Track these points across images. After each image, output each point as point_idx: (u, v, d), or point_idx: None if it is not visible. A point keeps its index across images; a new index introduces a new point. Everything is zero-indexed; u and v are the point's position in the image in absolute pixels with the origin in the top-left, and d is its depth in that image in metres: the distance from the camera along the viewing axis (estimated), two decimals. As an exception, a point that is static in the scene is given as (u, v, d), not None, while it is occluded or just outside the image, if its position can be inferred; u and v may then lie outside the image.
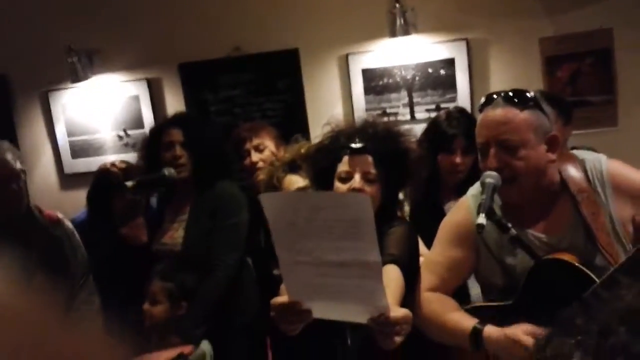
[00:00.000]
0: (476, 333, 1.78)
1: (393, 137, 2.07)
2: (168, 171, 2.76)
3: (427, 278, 1.98)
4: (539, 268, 1.77)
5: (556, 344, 0.62)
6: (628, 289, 0.62)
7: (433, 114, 3.89)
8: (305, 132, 4.00)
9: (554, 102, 2.83)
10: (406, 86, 4.09)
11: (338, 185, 1.98)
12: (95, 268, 2.72)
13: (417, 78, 4.06)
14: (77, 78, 4.32)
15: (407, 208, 2.65)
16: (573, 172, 1.84)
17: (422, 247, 2.32)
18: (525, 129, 1.75)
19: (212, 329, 2.64)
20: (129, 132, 4.46)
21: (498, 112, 1.77)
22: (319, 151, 2.11)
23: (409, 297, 1.88)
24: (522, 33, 3.91)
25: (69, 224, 2.70)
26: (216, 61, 4.28)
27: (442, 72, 4.02)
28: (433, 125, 2.80)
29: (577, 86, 3.88)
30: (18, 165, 2.40)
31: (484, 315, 1.85)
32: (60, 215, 2.69)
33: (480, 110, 1.85)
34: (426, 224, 2.44)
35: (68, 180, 4.62)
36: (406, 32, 3.88)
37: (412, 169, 2.09)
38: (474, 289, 2.26)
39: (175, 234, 2.85)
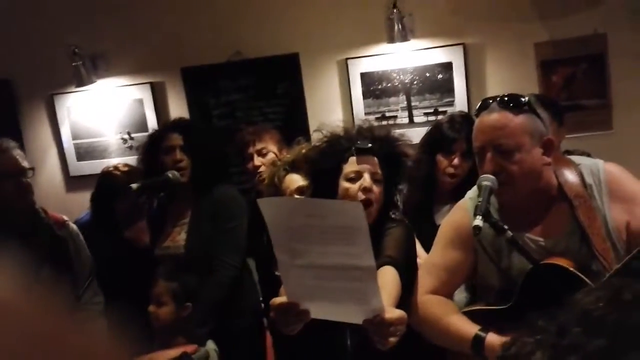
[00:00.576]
0: (478, 340, 1.78)
1: (392, 139, 2.09)
2: (172, 174, 2.78)
3: (426, 280, 1.98)
4: (535, 272, 1.77)
5: (520, 344, 0.66)
6: (587, 293, 0.68)
7: (431, 118, 3.96)
8: (305, 135, 4.02)
9: (546, 105, 2.86)
10: (404, 90, 4.14)
11: (347, 185, 1.97)
12: (98, 270, 2.76)
13: (415, 82, 4.11)
14: (81, 82, 4.36)
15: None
16: (570, 177, 1.84)
17: (419, 248, 2.36)
18: (520, 133, 1.75)
19: (214, 330, 2.67)
20: (133, 135, 4.51)
21: (493, 116, 1.78)
22: (322, 154, 2.09)
23: (406, 298, 1.88)
24: (518, 38, 3.95)
25: (73, 226, 2.74)
26: (218, 65, 4.32)
27: (440, 76, 4.07)
28: (435, 128, 2.81)
29: (572, 90, 3.91)
30: (25, 163, 2.49)
31: (481, 318, 1.86)
32: (65, 218, 2.74)
33: (477, 115, 1.86)
34: (417, 226, 2.45)
35: (73, 182, 4.67)
36: (404, 37, 3.92)
37: (408, 172, 2.13)
38: (457, 295, 2.24)
39: (177, 237, 2.87)
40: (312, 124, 4.20)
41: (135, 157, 3.33)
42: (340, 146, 2.03)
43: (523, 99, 1.80)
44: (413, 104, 4.13)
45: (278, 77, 4.30)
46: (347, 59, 4.16)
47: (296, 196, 2.55)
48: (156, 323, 2.56)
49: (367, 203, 1.94)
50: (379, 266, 1.78)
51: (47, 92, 4.61)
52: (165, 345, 2.50)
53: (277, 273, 1.71)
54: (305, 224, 1.48)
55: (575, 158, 1.97)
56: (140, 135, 4.40)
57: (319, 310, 1.59)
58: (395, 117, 4.16)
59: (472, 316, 1.89)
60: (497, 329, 1.78)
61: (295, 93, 4.28)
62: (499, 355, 0.68)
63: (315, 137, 2.16)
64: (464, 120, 2.72)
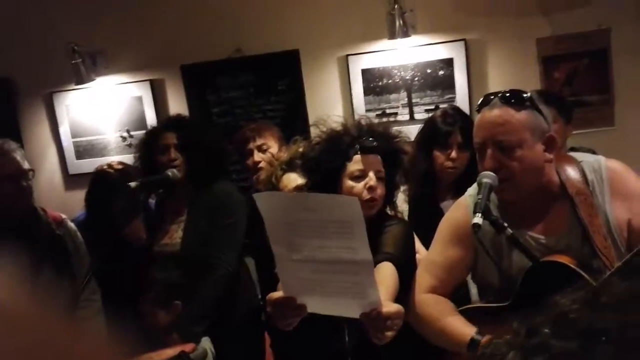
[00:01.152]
0: (474, 344, 1.78)
1: (392, 137, 2.09)
2: (172, 173, 2.79)
3: (425, 279, 1.98)
4: (535, 270, 1.77)
5: (495, 344, 0.66)
6: (565, 295, 0.66)
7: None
8: (305, 132, 4.01)
9: (554, 102, 2.86)
10: (405, 86, 4.12)
11: (351, 184, 1.97)
12: (96, 268, 2.76)
13: (416, 78, 4.09)
14: (80, 80, 4.35)
15: (405, 206, 2.67)
16: (571, 174, 1.83)
17: (418, 244, 2.35)
18: (521, 129, 1.74)
19: (210, 327, 2.67)
20: (132, 133, 4.50)
21: (495, 112, 1.77)
22: (325, 152, 2.07)
23: (404, 295, 1.88)
24: (520, 33, 3.93)
25: (72, 225, 2.74)
26: (218, 62, 4.31)
27: (441, 72, 4.05)
28: (429, 123, 2.82)
29: (574, 86, 3.90)
30: (26, 165, 2.48)
31: (480, 316, 1.85)
32: (63, 216, 2.74)
33: (478, 111, 1.85)
34: (424, 221, 2.43)
35: (72, 180, 4.66)
36: (405, 33, 3.91)
37: (406, 169, 2.12)
38: (475, 288, 2.26)
39: (175, 235, 2.87)
40: (312, 121, 4.19)
41: (134, 154, 3.32)
42: (343, 144, 2.02)
43: (525, 95, 1.79)
44: (414, 100, 4.11)
45: (278, 74, 4.29)
46: (347, 55, 4.15)
47: None
48: (156, 330, 2.57)
49: (372, 201, 1.95)
50: (377, 262, 1.80)
51: (46, 90, 4.61)
52: (160, 344, 2.49)
53: (276, 271, 1.70)
54: (302, 219, 1.48)
55: (576, 155, 1.96)
56: (139, 133, 4.37)
57: (315, 305, 1.59)
58: (396, 113, 4.14)
59: (471, 314, 1.88)
60: (496, 327, 1.77)
61: (296, 90, 4.26)
62: (478, 354, 0.67)
63: (313, 131, 2.15)
64: (457, 113, 2.75)
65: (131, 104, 4.51)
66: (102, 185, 2.96)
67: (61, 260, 2.57)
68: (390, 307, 1.52)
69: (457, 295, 2.02)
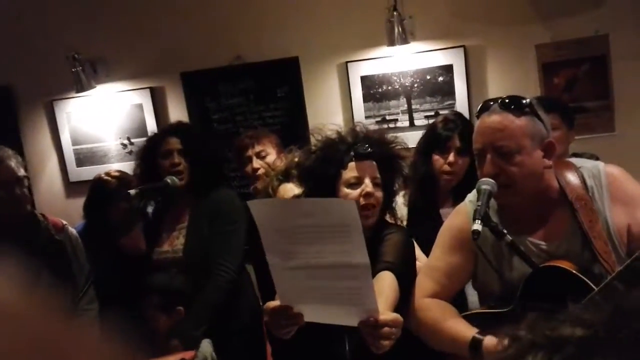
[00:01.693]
0: (476, 344, 1.77)
1: (389, 143, 2.08)
2: (172, 180, 2.78)
3: (426, 284, 1.98)
4: (536, 275, 1.77)
5: (517, 344, 0.65)
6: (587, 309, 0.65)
7: (432, 121, 3.92)
8: (305, 139, 4.01)
9: (557, 108, 2.87)
10: (405, 93, 4.12)
11: (347, 191, 1.96)
12: (95, 277, 2.76)
13: (415, 85, 4.10)
14: (81, 87, 4.36)
15: (405, 210, 2.66)
16: (571, 179, 1.84)
17: (418, 252, 2.34)
18: (521, 135, 1.75)
19: (211, 333, 2.66)
20: (133, 140, 4.51)
21: (494, 118, 1.77)
22: (320, 161, 2.06)
23: (405, 303, 1.88)
24: (519, 40, 3.93)
25: (73, 231, 2.74)
26: (218, 70, 4.32)
27: (440, 78, 4.06)
28: (430, 129, 2.83)
29: (574, 92, 3.89)
30: (21, 172, 2.48)
31: (481, 322, 1.85)
32: (64, 222, 2.74)
33: (478, 117, 1.85)
34: (423, 227, 2.45)
35: (73, 188, 4.67)
36: (404, 40, 3.91)
37: (405, 175, 2.12)
38: (472, 296, 2.25)
39: (176, 242, 2.87)
40: (310, 130, 4.19)
41: (135, 162, 3.32)
42: (338, 152, 2.01)
43: (524, 101, 1.79)
44: (414, 106, 4.11)
45: (278, 81, 4.29)
46: (347, 62, 4.15)
47: None
48: (157, 334, 2.56)
49: (368, 208, 1.94)
50: (377, 271, 1.80)
51: (47, 98, 4.62)
52: (160, 351, 2.48)
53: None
54: (298, 224, 1.48)
55: (576, 160, 1.96)
56: (140, 141, 4.39)
57: (312, 313, 1.58)
58: (396, 120, 4.14)
59: (472, 320, 1.88)
60: (498, 332, 1.75)
61: (296, 97, 4.27)
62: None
63: (312, 140, 2.15)
64: (457, 119, 2.75)
65: (131, 112, 4.51)
66: (100, 194, 2.95)
67: (60, 265, 2.57)
68: (387, 315, 1.52)
69: (454, 304, 2.01)
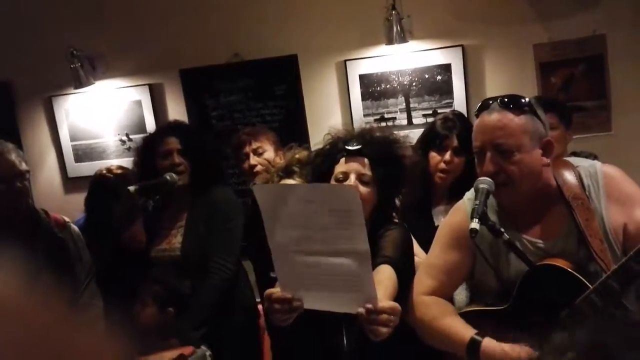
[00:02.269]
0: (474, 344, 1.78)
1: (389, 142, 2.11)
2: (170, 176, 2.78)
3: (424, 281, 1.99)
4: (532, 273, 1.78)
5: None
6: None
7: (430, 119, 3.93)
8: (303, 137, 4.04)
9: (555, 108, 2.88)
10: (403, 92, 4.13)
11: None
12: (96, 272, 2.76)
13: (414, 84, 4.11)
14: (80, 84, 4.36)
15: None
16: (568, 178, 1.85)
17: (417, 248, 2.36)
18: (520, 133, 1.76)
19: (208, 331, 2.67)
20: (131, 136, 4.51)
21: (494, 116, 1.78)
22: (318, 156, 2.16)
23: (403, 299, 1.89)
24: (517, 39, 3.94)
25: (74, 228, 2.74)
26: (216, 67, 4.32)
27: (439, 77, 4.07)
28: (429, 127, 2.85)
29: (571, 92, 3.91)
30: (23, 166, 2.48)
31: (478, 319, 1.86)
32: (66, 219, 2.74)
33: (477, 116, 1.86)
34: (413, 224, 2.46)
35: (71, 183, 4.67)
36: (403, 39, 3.91)
37: (406, 174, 2.14)
38: (459, 295, 2.25)
39: (174, 240, 2.87)
40: (311, 126, 4.22)
41: (133, 158, 3.32)
42: (335, 148, 2.08)
43: (523, 100, 1.81)
44: (412, 105, 4.12)
45: (276, 79, 4.30)
46: (345, 60, 4.16)
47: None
48: (138, 323, 2.56)
49: None
50: (376, 265, 1.82)
51: (45, 93, 4.62)
52: (154, 348, 2.49)
53: (272, 275, 1.72)
54: (300, 209, 1.50)
55: (573, 160, 1.97)
56: (138, 137, 4.39)
57: (312, 300, 1.60)
58: (394, 118, 4.16)
59: (469, 317, 1.89)
60: (494, 330, 1.79)
61: (294, 95, 4.28)
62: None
63: (325, 139, 2.20)
64: (457, 118, 2.76)
65: (130, 108, 4.52)
66: (101, 190, 2.96)
67: (62, 262, 2.57)
68: (386, 302, 1.54)
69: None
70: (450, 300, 2.05)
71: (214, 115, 4.43)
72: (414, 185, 2.67)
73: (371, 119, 4.11)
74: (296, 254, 1.54)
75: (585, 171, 1.86)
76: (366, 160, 2.03)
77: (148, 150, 2.94)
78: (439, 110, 3.99)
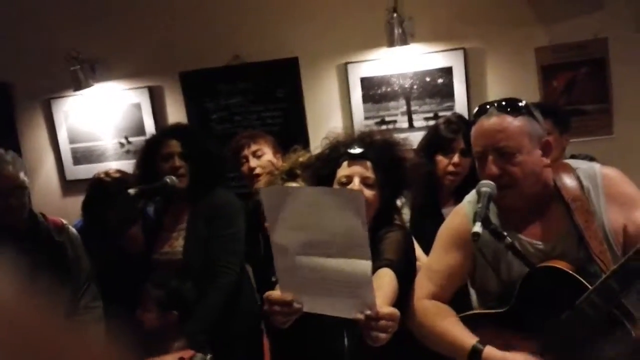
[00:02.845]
0: (475, 353, 1.79)
1: (390, 145, 2.12)
2: (171, 180, 2.76)
3: (425, 286, 1.99)
4: (533, 275, 1.80)
5: None
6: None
7: (431, 122, 3.92)
8: (304, 139, 4.03)
9: (549, 113, 2.88)
10: (404, 94, 4.12)
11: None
12: (95, 276, 2.75)
13: (415, 87, 4.10)
14: (79, 86, 4.35)
15: (406, 214, 2.67)
16: (567, 180, 1.86)
17: (419, 251, 2.35)
18: (520, 135, 1.78)
19: (211, 335, 2.65)
20: (131, 139, 4.50)
21: (493, 120, 1.80)
22: (320, 159, 2.16)
23: (404, 302, 1.90)
24: (518, 43, 3.94)
25: (73, 231, 2.72)
26: (216, 70, 4.31)
27: (440, 80, 4.06)
28: (432, 131, 2.85)
29: (573, 95, 3.91)
30: (21, 177, 2.44)
31: (479, 322, 1.87)
32: (64, 222, 2.72)
33: (474, 121, 1.87)
34: (426, 228, 2.47)
35: (70, 186, 4.65)
36: (404, 42, 3.91)
37: (408, 177, 2.13)
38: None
39: (175, 243, 2.85)
40: (311, 129, 4.21)
41: (132, 161, 3.32)
42: (337, 152, 2.08)
43: (520, 103, 1.83)
44: (413, 108, 4.11)
45: (277, 81, 4.29)
46: (346, 63, 4.15)
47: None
48: (141, 327, 2.55)
49: None
50: (377, 268, 1.82)
51: (44, 96, 4.61)
52: (156, 351, 2.48)
53: (273, 279, 1.71)
54: (305, 212, 1.50)
55: (572, 162, 1.98)
56: (137, 140, 4.40)
57: (311, 304, 1.60)
58: (395, 121, 4.14)
59: (470, 320, 1.90)
60: (495, 332, 1.80)
61: (294, 97, 4.26)
62: None
63: (323, 143, 2.20)
64: (460, 121, 2.78)
65: (129, 111, 4.50)
66: (99, 193, 2.94)
67: (60, 266, 2.55)
68: (385, 308, 1.54)
69: (460, 302, 2.03)
70: (451, 303, 2.04)
71: (214, 118, 4.42)
72: (420, 188, 2.68)
73: (372, 121, 4.10)
74: (298, 257, 1.54)
75: (585, 173, 1.87)
76: (369, 163, 2.03)
77: (150, 152, 2.92)
78: (440, 114, 3.98)
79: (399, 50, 4.00)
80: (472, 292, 2.24)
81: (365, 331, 1.53)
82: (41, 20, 4.47)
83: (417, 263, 2.16)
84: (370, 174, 2.02)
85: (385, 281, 1.79)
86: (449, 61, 4.03)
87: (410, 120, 4.13)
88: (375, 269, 1.80)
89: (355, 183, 2.00)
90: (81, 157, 4.63)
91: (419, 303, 1.97)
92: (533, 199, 1.85)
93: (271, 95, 4.32)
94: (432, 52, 4.05)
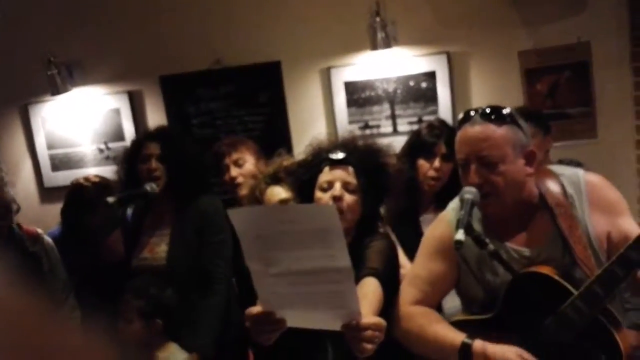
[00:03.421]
0: (465, 348, 1.80)
1: (373, 150, 2.12)
2: (150, 187, 2.75)
3: (410, 292, 2.00)
4: (518, 281, 1.81)
5: None
6: None
7: (415, 127, 3.90)
8: (287, 144, 4.00)
9: (530, 117, 2.89)
10: (388, 99, 4.10)
11: (319, 195, 2.02)
12: (73, 285, 2.70)
13: (398, 91, 4.08)
14: (57, 91, 4.28)
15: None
16: (551, 186, 1.88)
17: (403, 259, 2.34)
18: (503, 144, 1.78)
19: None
20: (110, 144, 4.43)
21: (477, 128, 1.80)
22: (301, 165, 2.17)
23: (389, 310, 1.90)
24: (502, 46, 3.94)
25: (48, 240, 2.68)
26: (198, 74, 4.26)
27: (424, 84, 4.04)
28: (414, 135, 2.87)
29: (556, 99, 3.91)
30: (5, 197, 2.38)
31: (465, 329, 1.87)
32: (39, 231, 2.67)
33: (459, 127, 1.88)
34: (403, 234, 2.52)
35: (48, 193, 4.57)
36: (387, 45, 3.89)
37: (390, 183, 2.12)
38: (448, 303, 2.28)
39: (157, 249, 2.82)
40: (294, 133, 4.17)
41: (112, 167, 3.29)
42: (318, 157, 2.09)
43: (505, 111, 1.83)
44: (397, 112, 4.09)
45: (259, 85, 4.25)
46: (329, 67, 4.12)
47: None
48: (127, 340, 2.51)
49: (337, 211, 1.94)
50: (361, 277, 1.83)
51: (21, 101, 4.53)
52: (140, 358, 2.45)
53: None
54: (278, 231, 1.47)
55: (556, 168, 2.00)
56: (117, 145, 4.34)
57: (294, 318, 1.58)
58: (378, 126, 4.12)
59: (456, 327, 1.90)
60: (481, 338, 1.81)
61: (277, 102, 4.23)
62: None
63: (306, 150, 2.20)
64: (442, 126, 2.79)
65: (109, 116, 4.43)
66: (78, 200, 2.90)
67: (34, 277, 2.49)
68: (370, 318, 1.53)
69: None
70: (437, 309, 2.06)
71: (196, 123, 4.36)
72: (401, 193, 2.67)
73: (356, 126, 4.08)
74: (276, 276, 1.51)
75: (568, 179, 1.88)
76: (350, 168, 2.04)
77: (131, 154, 2.92)
78: (424, 118, 3.97)
79: (382, 54, 3.98)
80: (445, 301, 2.25)
81: (351, 342, 1.52)
82: (18, 24, 4.38)
83: (402, 270, 2.16)
84: (352, 179, 2.02)
85: (370, 290, 1.79)
86: (432, 65, 4.01)
87: (394, 125, 4.10)
88: (359, 278, 1.82)
89: (337, 188, 2.00)
90: (60, 163, 4.55)
91: (404, 309, 1.98)
92: (517, 206, 1.86)
93: (253, 99, 4.27)
94: (416, 56, 4.03)
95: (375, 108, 4.11)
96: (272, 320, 1.56)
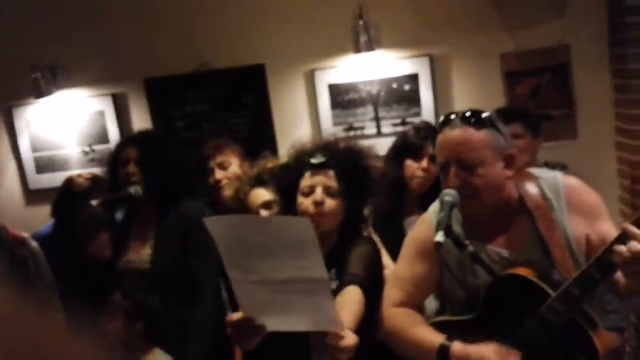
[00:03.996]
0: (443, 350, 1.82)
1: (353, 153, 2.12)
2: (134, 189, 2.75)
3: (393, 293, 2.02)
4: (497, 283, 1.83)
5: None
6: None
7: (399, 129, 3.94)
8: (272, 147, 4.01)
9: (519, 117, 2.93)
10: (372, 101, 4.12)
11: (301, 199, 2.03)
12: (60, 286, 2.70)
13: (382, 93, 4.10)
14: (40, 93, 4.24)
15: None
16: (530, 189, 1.90)
17: (387, 260, 2.35)
18: (482, 147, 1.82)
19: (179, 349, 2.63)
20: (94, 147, 4.41)
21: (456, 132, 1.83)
22: (283, 169, 2.18)
23: (372, 314, 1.92)
24: (484, 49, 3.97)
25: (34, 244, 2.67)
26: (182, 76, 4.25)
27: (407, 87, 4.07)
28: (401, 138, 2.89)
29: (537, 101, 3.95)
30: None
31: (446, 329, 1.90)
32: (25, 235, 2.66)
33: (439, 131, 1.90)
34: (386, 234, 2.52)
35: (33, 196, 4.54)
36: (370, 48, 3.91)
37: (373, 185, 2.13)
38: (430, 305, 2.30)
39: (142, 252, 2.82)
40: (279, 136, 4.18)
41: (96, 169, 3.28)
42: (299, 162, 2.09)
43: (484, 115, 1.86)
44: (380, 114, 4.11)
45: (244, 88, 4.25)
46: (313, 69, 4.14)
47: (262, 211, 2.55)
48: (105, 337, 2.50)
49: (318, 215, 1.97)
50: (344, 284, 1.84)
51: (5, 103, 4.49)
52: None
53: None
54: (255, 241, 1.49)
55: (535, 171, 2.03)
56: (101, 148, 4.33)
57: (274, 323, 1.60)
58: (362, 127, 4.14)
59: (438, 327, 1.93)
60: (462, 338, 1.83)
61: (262, 104, 4.23)
62: None
63: (289, 152, 2.20)
64: (429, 128, 2.82)
65: (93, 119, 4.42)
66: (69, 194, 2.90)
67: (20, 281, 2.50)
68: (349, 339, 1.54)
69: None
70: (420, 310, 2.08)
71: (181, 126, 4.36)
72: (386, 194, 2.68)
73: (340, 128, 4.10)
74: (255, 283, 1.54)
75: (547, 182, 1.91)
76: (331, 172, 2.04)
77: (113, 158, 2.92)
78: (408, 120, 4.00)
79: (365, 57, 4.00)
80: (427, 302, 2.27)
81: (315, 353, 1.57)
82: (1, 27, 4.35)
83: (385, 271, 2.17)
84: (333, 183, 2.02)
85: (352, 299, 1.79)
86: (415, 68, 4.04)
87: (378, 127, 4.13)
88: (342, 285, 1.84)
89: (318, 192, 2.00)
90: (44, 165, 4.52)
91: (387, 310, 2.00)
92: (497, 208, 1.89)
93: (238, 102, 4.27)
94: (398, 59, 4.06)
95: (359, 110, 4.13)
96: (252, 326, 1.58)
